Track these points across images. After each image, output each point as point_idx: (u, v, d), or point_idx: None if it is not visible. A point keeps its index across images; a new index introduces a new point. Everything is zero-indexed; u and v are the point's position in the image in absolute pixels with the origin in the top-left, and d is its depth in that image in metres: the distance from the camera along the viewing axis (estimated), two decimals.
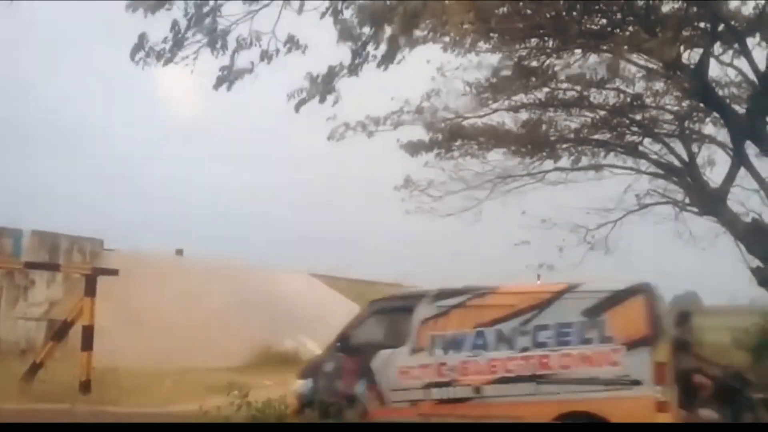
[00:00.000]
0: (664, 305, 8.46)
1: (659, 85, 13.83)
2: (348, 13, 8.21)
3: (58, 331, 13.46)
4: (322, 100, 8.70)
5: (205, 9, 7.84)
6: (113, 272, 13.95)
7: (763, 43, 11.52)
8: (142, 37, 7.79)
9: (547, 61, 13.15)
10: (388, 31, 8.23)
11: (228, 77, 8.28)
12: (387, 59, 8.53)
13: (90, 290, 12.97)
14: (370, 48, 8.42)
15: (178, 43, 7.94)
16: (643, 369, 7.57)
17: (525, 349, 8.15)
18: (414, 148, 14.84)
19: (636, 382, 7.57)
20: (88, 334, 12.84)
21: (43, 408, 11.44)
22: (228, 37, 8.04)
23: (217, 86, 8.31)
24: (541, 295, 8.48)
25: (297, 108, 8.74)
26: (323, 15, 8.06)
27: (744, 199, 13.76)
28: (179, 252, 28.64)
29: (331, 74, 8.56)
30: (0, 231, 17.96)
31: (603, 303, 8.01)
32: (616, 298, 7.99)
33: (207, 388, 14.23)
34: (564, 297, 8.30)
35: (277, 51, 8.16)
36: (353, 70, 8.57)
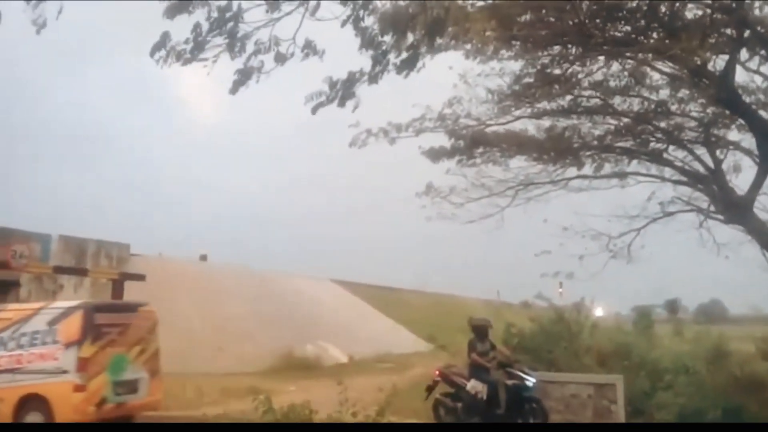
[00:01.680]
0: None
1: (684, 92, 13.65)
2: (369, 21, 8.28)
3: None
4: (341, 104, 8.77)
5: (228, 14, 7.94)
6: (140, 277, 14.17)
7: None
8: (165, 36, 7.91)
9: (570, 69, 13.06)
10: (410, 38, 8.27)
11: (244, 80, 8.38)
12: (407, 66, 8.55)
13: (117, 295, 13.19)
14: (391, 56, 8.45)
15: (198, 45, 8.04)
16: (71, 362, 10.69)
17: (12, 350, 11.25)
18: (436, 155, 14.84)
19: (65, 371, 10.69)
20: None
21: None
22: (248, 41, 8.13)
23: (233, 90, 8.43)
24: (27, 311, 11.76)
25: (314, 111, 8.83)
26: (344, 23, 8.13)
27: None
28: (203, 257, 29.01)
29: (352, 80, 8.61)
30: (28, 236, 18.29)
31: (59, 316, 11.22)
32: (67, 313, 11.22)
33: (230, 392, 14.37)
34: (40, 312, 11.54)
35: (293, 54, 8.25)
36: (373, 78, 8.60)
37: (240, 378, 16.89)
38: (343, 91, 8.68)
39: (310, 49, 8.26)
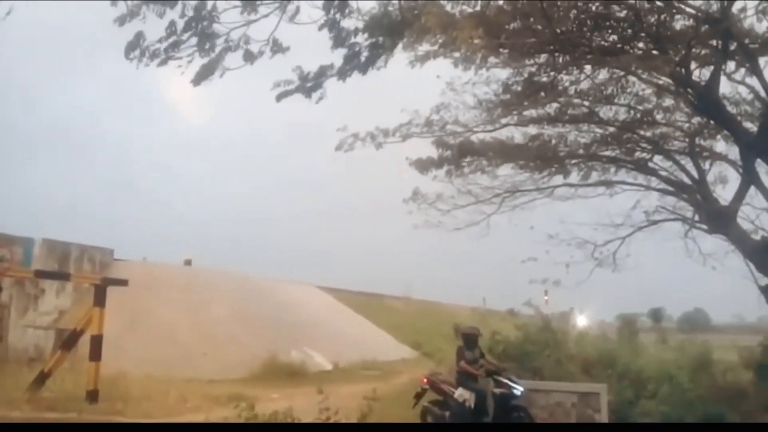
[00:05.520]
0: None
1: (670, 102, 13.76)
2: (345, 23, 8.39)
3: (67, 341, 13.44)
4: (308, 95, 8.86)
5: (203, 12, 7.96)
6: (123, 282, 13.96)
7: None
8: (139, 36, 7.89)
9: (557, 77, 13.12)
10: (378, 39, 8.42)
11: (206, 74, 8.41)
12: (370, 62, 8.67)
13: (99, 300, 12.99)
14: (363, 55, 8.57)
15: (173, 44, 8.05)
16: None
17: None
18: (424, 166, 14.84)
19: None
20: (96, 343, 12.84)
21: (50, 417, 11.46)
22: (218, 39, 8.18)
23: (196, 82, 8.43)
24: None
25: (279, 99, 8.90)
26: (321, 27, 8.22)
27: (754, 218, 13.68)
28: (188, 262, 28.74)
29: (321, 73, 8.71)
30: (11, 239, 18.03)
31: None
32: None
33: (213, 398, 14.23)
34: None
35: (262, 53, 8.31)
36: (343, 74, 8.71)
37: (224, 384, 16.71)
38: (314, 82, 8.79)
39: (278, 47, 8.36)
